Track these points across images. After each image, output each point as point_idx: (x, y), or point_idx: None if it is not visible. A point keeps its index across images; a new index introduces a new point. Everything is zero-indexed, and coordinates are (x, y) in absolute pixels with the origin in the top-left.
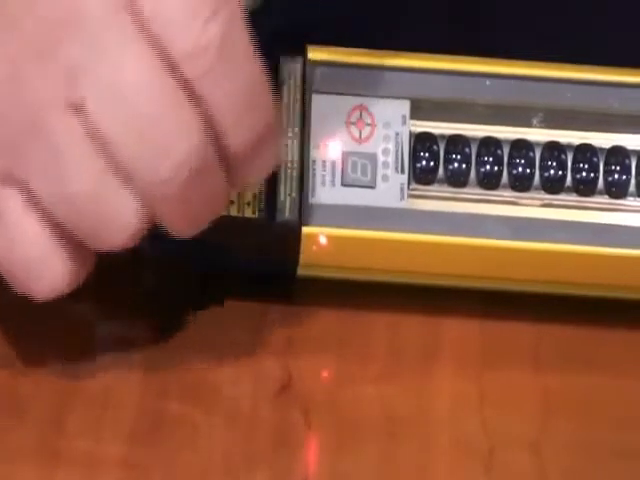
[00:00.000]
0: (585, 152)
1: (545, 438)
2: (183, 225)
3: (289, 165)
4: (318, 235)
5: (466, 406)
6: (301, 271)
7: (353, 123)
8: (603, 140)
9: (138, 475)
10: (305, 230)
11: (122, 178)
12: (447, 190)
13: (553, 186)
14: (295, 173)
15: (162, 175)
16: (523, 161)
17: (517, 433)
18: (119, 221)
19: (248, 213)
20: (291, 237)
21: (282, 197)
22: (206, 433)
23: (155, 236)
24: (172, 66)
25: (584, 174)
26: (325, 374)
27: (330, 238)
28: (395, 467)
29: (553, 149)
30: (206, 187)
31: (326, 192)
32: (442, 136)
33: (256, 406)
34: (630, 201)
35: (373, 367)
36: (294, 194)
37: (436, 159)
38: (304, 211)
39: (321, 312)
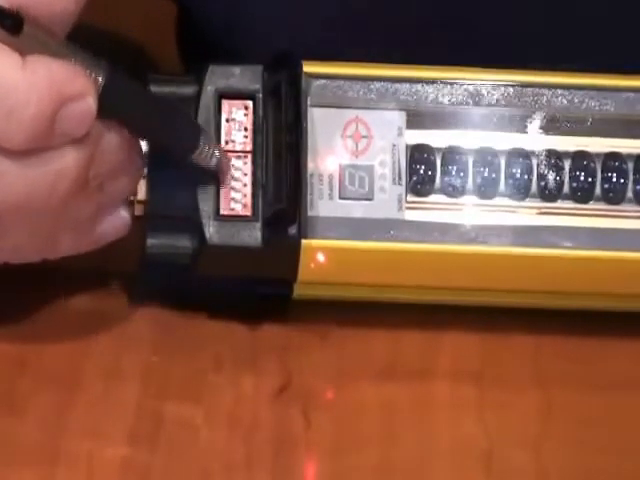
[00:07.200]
0: (582, 159)
1: (545, 438)
2: None
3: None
4: (317, 248)
5: (466, 408)
6: (299, 290)
7: (350, 136)
8: (600, 146)
9: (138, 475)
10: (304, 243)
11: None
12: (444, 200)
13: (551, 193)
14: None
15: None
16: (520, 169)
17: (517, 433)
18: None
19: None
20: (291, 250)
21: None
22: (206, 433)
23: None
24: None
25: (581, 180)
26: (325, 374)
27: (329, 250)
28: (395, 467)
29: (550, 157)
30: None
31: (324, 205)
32: (439, 146)
33: (256, 406)
34: (628, 207)
35: (373, 367)
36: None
37: (433, 169)
38: (303, 224)
39: (322, 311)
